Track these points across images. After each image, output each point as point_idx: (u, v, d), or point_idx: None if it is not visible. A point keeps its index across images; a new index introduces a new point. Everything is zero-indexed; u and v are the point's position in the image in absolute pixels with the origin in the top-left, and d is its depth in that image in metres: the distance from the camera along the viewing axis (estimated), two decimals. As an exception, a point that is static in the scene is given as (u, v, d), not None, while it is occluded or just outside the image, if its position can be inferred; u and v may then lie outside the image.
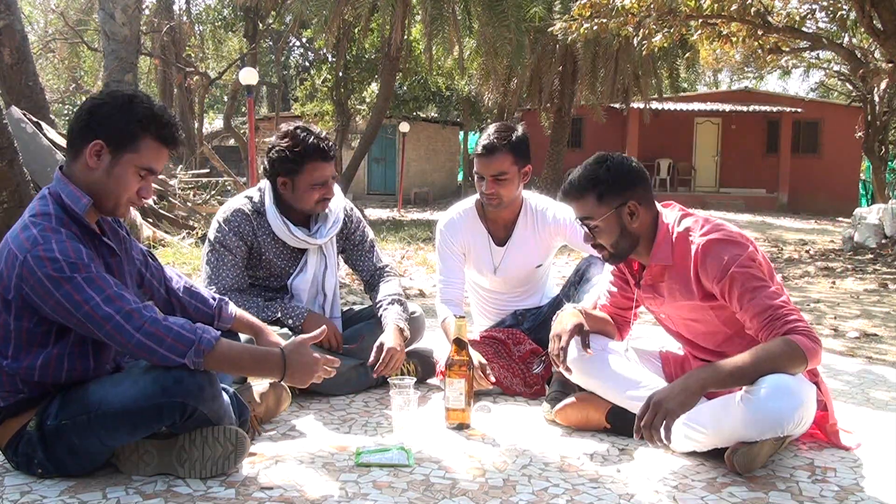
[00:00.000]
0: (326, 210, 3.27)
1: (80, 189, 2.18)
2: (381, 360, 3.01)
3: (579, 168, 2.58)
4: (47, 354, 2.16)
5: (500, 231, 3.48)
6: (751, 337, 2.43)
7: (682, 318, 2.67)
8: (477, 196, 3.45)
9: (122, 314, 2.08)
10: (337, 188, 3.34)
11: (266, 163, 3.15)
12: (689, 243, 2.50)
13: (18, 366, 2.15)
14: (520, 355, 3.34)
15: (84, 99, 2.26)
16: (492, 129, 3.30)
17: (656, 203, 2.61)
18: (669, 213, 2.61)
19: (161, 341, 2.11)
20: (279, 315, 3.14)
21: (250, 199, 3.24)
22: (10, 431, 2.21)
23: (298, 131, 3.11)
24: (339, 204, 3.35)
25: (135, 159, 2.17)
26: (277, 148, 3.10)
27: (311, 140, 3.07)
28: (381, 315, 3.28)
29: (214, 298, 2.65)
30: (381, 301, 3.33)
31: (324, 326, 2.64)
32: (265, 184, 3.25)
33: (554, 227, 3.44)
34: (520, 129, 3.31)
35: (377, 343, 3.08)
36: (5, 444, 2.23)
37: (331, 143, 3.15)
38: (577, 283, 3.40)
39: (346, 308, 3.63)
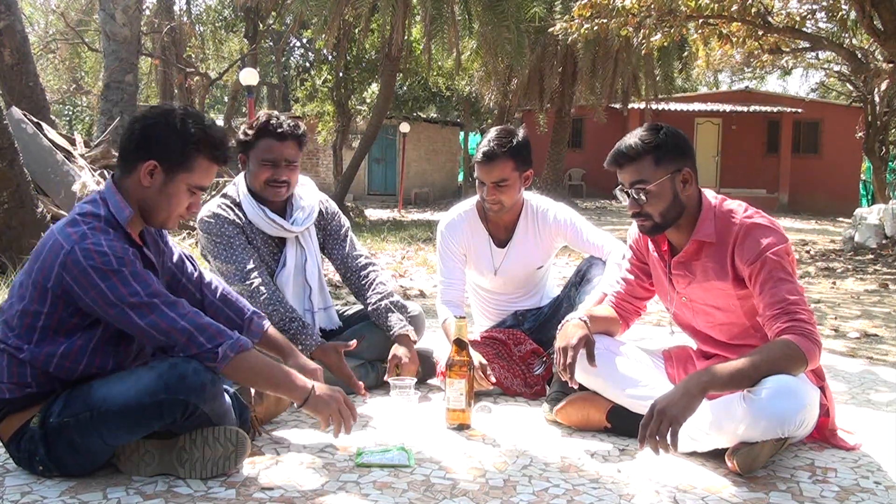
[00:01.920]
0: (301, 202, 3.29)
1: (125, 200, 2.24)
2: (399, 374, 3.03)
3: (631, 135, 2.56)
4: (70, 344, 2.19)
5: (501, 232, 3.48)
6: (765, 333, 2.44)
7: (705, 303, 2.66)
8: (478, 197, 3.44)
9: (167, 303, 2.17)
10: (310, 182, 3.37)
11: None
12: (732, 223, 2.51)
13: (38, 352, 2.17)
14: (520, 355, 3.34)
15: (134, 117, 2.33)
16: (492, 134, 3.28)
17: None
18: (710, 195, 2.62)
19: (203, 330, 2.18)
20: (292, 332, 3.04)
21: (226, 195, 3.27)
22: (14, 426, 2.22)
23: (262, 114, 3.19)
24: (313, 196, 3.36)
25: (187, 178, 2.25)
26: (242, 130, 3.21)
27: (264, 118, 3.15)
28: (385, 321, 3.26)
29: (248, 310, 2.60)
30: (377, 304, 3.31)
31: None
32: (239, 178, 3.30)
33: (555, 228, 3.43)
34: (521, 134, 3.29)
35: (391, 355, 3.12)
36: (8, 439, 2.24)
37: (287, 127, 3.14)
38: (577, 283, 3.40)
39: (346, 307, 3.63)
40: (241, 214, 3.21)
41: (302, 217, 3.27)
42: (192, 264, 2.56)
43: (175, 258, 2.50)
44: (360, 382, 2.92)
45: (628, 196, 2.56)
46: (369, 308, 3.33)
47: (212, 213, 3.18)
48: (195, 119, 2.25)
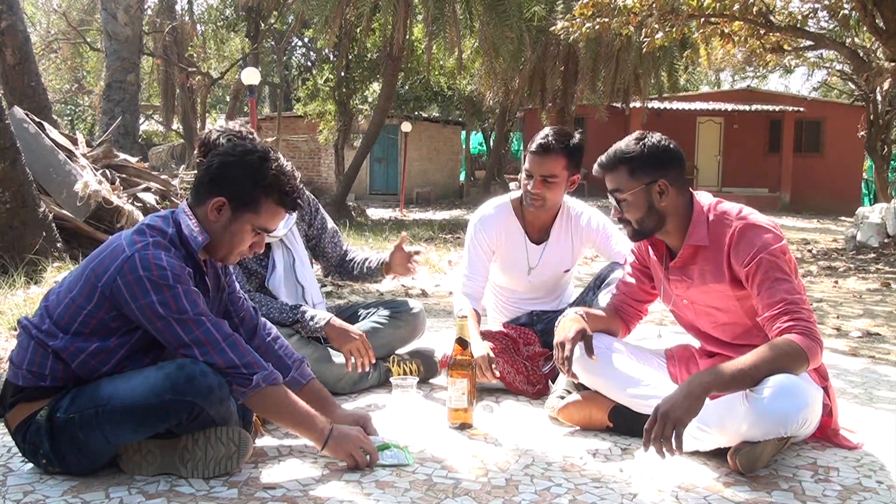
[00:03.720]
0: None
1: (200, 226, 2.27)
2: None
3: (617, 143, 2.61)
4: (103, 345, 2.20)
5: (535, 232, 3.46)
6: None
7: (706, 305, 2.66)
8: (513, 194, 3.43)
9: (212, 322, 2.20)
10: None
11: None
12: (726, 226, 2.52)
13: (70, 344, 2.18)
14: (528, 355, 3.34)
15: (217, 151, 2.37)
16: (550, 129, 3.27)
17: (690, 188, 2.63)
18: (704, 198, 2.63)
19: (242, 356, 2.21)
20: (298, 317, 3.13)
21: None
22: (22, 416, 2.23)
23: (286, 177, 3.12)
24: None
25: (253, 219, 2.29)
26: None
27: (287, 189, 3.09)
28: (371, 264, 3.46)
29: (297, 357, 2.61)
30: (361, 262, 3.49)
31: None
32: None
33: (587, 233, 3.43)
34: (577, 137, 3.29)
35: (397, 244, 3.33)
36: (15, 427, 2.25)
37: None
38: (596, 287, 3.38)
39: (346, 307, 3.63)
40: None
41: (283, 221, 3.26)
42: (249, 304, 2.59)
43: (234, 295, 2.54)
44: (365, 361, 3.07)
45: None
46: (361, 269, 3.49)
47: None
48: (273, 162, 2.29)
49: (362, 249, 3.61)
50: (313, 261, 3.54)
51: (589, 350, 2.64)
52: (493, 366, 3.13)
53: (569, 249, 3.47)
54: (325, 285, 6.04)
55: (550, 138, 3.22)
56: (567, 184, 3.29)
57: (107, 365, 2.22)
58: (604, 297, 3.25)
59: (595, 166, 2.65)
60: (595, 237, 3.44)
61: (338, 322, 3.12)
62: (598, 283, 3.39)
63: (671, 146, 2.58)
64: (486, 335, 3.32)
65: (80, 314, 2.18)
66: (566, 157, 3.23)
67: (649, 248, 2.78)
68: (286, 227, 3.27)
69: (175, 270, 2.16)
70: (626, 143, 2.59)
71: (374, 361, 3.10)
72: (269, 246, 3.27)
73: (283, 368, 2.50)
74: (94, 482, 2.21)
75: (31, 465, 2.31)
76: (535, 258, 3.46)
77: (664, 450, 2.20)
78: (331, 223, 3.55)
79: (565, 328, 2.69)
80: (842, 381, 3.64)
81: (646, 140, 2.56)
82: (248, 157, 2.28)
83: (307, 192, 3.53)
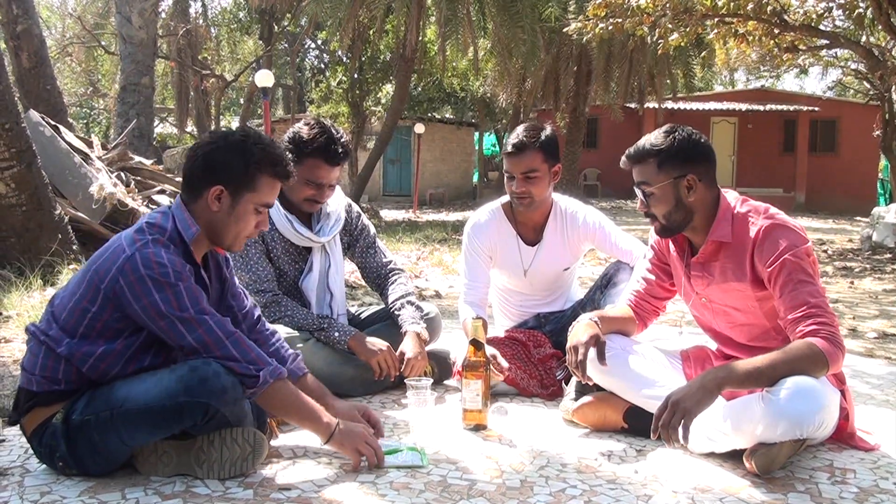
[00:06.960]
0: (327, 209, 3.30)
1: (192, 218, 2.27)
2: (402, 370, 3.11)
3: (647, 135, 2.60)
4: (109, 348, 2.21)
5: (530, 233, 3.47)
6: (786, 335, 2.42)
7: (724, 304, 2.65)
8: (504, 199, 3.44)
9: (215, 320, 2.20)
10: (339, 189, 3.37)
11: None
12: (751, 224, 2.51)
13: (77, 349, 2.19)
14: (539, 358, 3.33)
15: (196, 140, 2.34)
16: (521, 128, 3.32)
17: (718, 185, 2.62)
18: (731, 195, 2.61)
19: (246, 353, 2.22)
20: (325, 325, 3.14)
21: None
22: (38, 420, 2.24)
23: (317, 127, 3.12)
24: (339, 203, 3.37)
25: (253, 198, 2.29)
26: (294, 130, 3.15)
27: (322, 138, 3.08)
28: (397, 319, 3.31)
29: (290, 354, 2.59)
30: (393, 303, 3.35)
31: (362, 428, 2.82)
32: None
33: (583, 231, 3.43)
34: (548, 129, 3.33)
35: (398, 351, 3.14)
36: (31, 432, 2.26)
37: (341, 150, 3.12)
38: (603, 287, 3.38)
39: (361, 309, 3.64)
40: None
41: (328, 226, 3.29)
42: (250, 300, 2.59)
43: (235, 289, 2.54)
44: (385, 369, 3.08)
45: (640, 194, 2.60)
46: (389, 307, 3.38)
47: None
48: (254, 139, 2.29)
49: (406, 279, 3.51)
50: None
51: (601, 356, 2.62)
52: (500, 359, 3.12)
53: (565, 248, 3.47)
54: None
55: (523, 136, 3.26)
56: (550, 176, 3.32)
57: (116, 367, 2.23)
58: (611, 296, 3.25)
59: (623, 158, 2.63)
60: (593, 234, 3.44)
61: (361, 336, 3.14)
62: (605, 282, 3.39)
63: (702, 140, 2.56)
64: (494, 342, 3.32)
65: (85, 317, 2.19)
66: (542, 151, 3.26)
67: (670, 243, 2.77)
68: (330, 234, 3.28)
69: (176, 267, 2.16)
70: (655, 135, 2.57)
71: (398, 373, 3.11)
72: (308, 249, 3.28)
73: (280, 361, 2.49)
74: (111, 483, 2.22)
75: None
76: (529, 259, 3.47)
77: (672, 439, 2.20)
78: (370, 235, 3.51)
79: (578, 333, 2.68)
80: (858, 382, 3.62)
81: (676, 133, 2.54)
82: (231, 140, 2.28)
83: (354, 205, 3.53)
